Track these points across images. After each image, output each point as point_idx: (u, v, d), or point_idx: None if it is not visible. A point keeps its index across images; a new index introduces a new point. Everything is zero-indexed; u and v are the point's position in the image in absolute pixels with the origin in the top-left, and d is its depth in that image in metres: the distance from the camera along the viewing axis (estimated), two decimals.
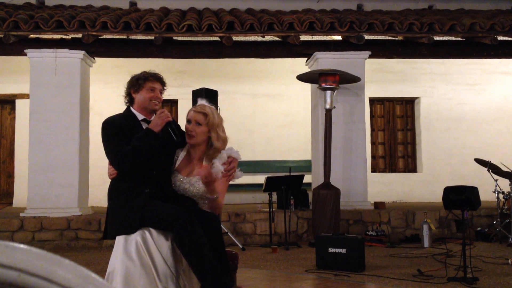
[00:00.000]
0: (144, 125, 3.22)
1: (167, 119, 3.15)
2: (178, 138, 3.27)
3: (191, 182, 3.19)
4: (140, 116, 3.26)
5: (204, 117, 3.21)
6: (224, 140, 3.27)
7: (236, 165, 3.25)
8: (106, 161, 3.17)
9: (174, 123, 3.29)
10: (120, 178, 3.15)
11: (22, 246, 0.71)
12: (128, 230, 2.95)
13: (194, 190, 3.18)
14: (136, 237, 2.90)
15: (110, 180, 3.25)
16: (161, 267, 2.89)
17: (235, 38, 8.03)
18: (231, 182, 3.31)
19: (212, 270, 2.89)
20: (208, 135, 3.23)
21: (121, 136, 3.12)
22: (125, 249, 2.88)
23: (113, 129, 3.17)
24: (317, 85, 8.04)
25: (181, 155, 3.31)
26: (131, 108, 3.30)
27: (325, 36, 8.39)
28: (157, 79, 3.29)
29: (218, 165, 3.15)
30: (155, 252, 2.90)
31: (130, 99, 3.32)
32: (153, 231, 2.95)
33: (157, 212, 2.96)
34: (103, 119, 3.25)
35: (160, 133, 3.15)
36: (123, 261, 2.84)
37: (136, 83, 3.25)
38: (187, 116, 3.30)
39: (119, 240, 2.95)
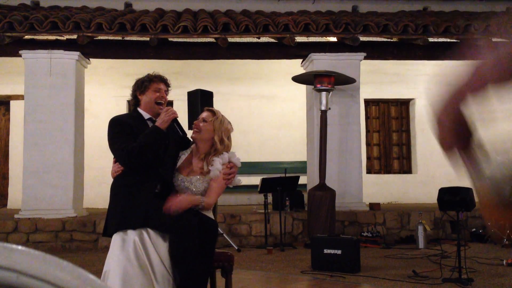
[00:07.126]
0: (150, 124, 3.30)
1: (173, 116, 3.23)
2: (185, 133, 3.36)
3: (191, 181, 3.19)
4: (146, 115, 3.34)
5: (211, 114, 3.29)
6: (227, 147, 3.30)
7: (236, 171, 3.28)
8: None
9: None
10: (124, 174, 3.17)
11: (20, 247, 0.71)
12: (130, 225, 2.93)
13: (194, 189, 3.18)
14: (134, 237, 2.88)
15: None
16: (158, 268, 2.87)
17: (230, 40, 8.03)
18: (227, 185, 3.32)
19: (196, 279, 2.91)
20: (212, 135, 3.24)
21: (128, 133, 3.18)
22: (122, 249, 2.85)
23: (120, 126, 3.24)
24: (312, 87, 8.05)
25: (183, 157, 3.33)
26: (138, 109, 3.39)
27: (320, 38, 8.41)
28: (161, 80, 3.41)
29: (218, 164, 3.17)
30: (152, 253, 2.89)
31: (136, 102, 3.40)
32: (151, 231, 2.94)
33: (160, 213, 2.95)
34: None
35: (166, 130, 3.20)
36: (121, 261, 2.81)
37: (142, 85, 3.36)
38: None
39: (116, 239, 2.92)
